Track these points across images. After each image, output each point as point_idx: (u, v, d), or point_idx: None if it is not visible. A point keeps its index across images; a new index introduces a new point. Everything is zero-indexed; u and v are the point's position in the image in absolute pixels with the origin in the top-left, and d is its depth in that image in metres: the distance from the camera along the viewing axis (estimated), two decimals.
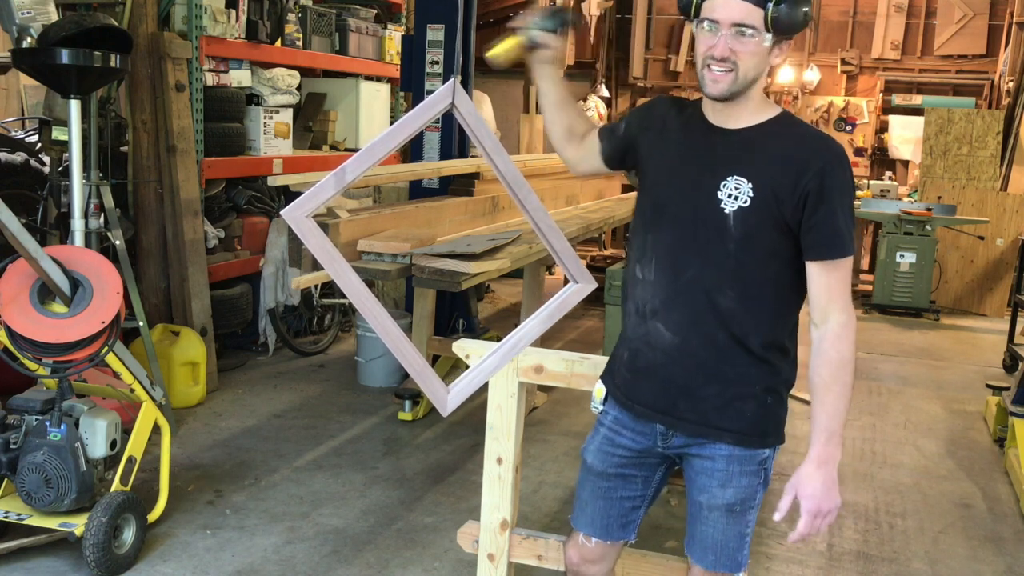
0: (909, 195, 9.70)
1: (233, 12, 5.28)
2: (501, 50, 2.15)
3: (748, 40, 1.81)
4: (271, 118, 5.70)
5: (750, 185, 1.85)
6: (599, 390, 2.13)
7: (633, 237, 2.05)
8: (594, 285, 1.94)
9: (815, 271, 1.86)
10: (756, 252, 1.87)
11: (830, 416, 1.87)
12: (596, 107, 10.79)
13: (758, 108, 1.91)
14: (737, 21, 1.80)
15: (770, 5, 1.79)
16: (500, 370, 2.25)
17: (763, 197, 1.84)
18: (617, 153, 2.14)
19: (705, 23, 1.84)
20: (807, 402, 1.93)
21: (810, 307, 1.90)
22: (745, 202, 1.85)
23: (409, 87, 5.62)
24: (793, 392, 2.03)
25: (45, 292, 3.03)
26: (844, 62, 11.38)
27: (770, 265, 1.88)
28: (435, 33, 5.32)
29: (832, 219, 1.83)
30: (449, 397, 1.81)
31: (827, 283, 1.86)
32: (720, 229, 1.87)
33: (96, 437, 3.13)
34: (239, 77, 5.51)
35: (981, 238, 8.44)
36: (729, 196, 1.86)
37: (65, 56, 3.63)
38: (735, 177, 1.86)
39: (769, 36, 1.82)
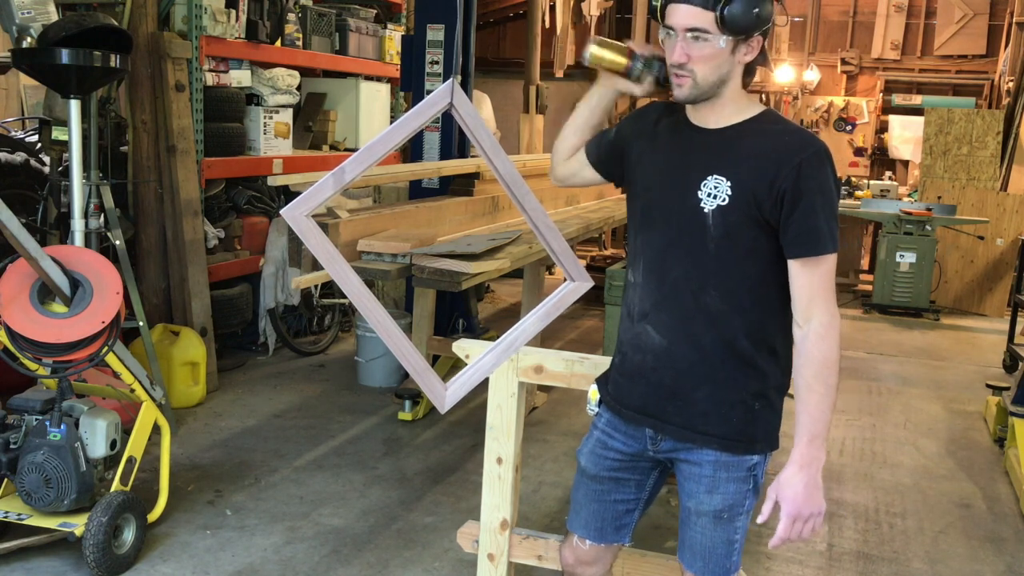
0: (909, 195, 9.71)
1: (233, 12, 5.28)
2: (607, 55, 2.04)
3: (702, 44, 1.81)
4: (271, 118, 5.70)
5: (728, 183, 1.85)
6: (594, 392, 2.14)
7: (628, 242, 2.07)
8: (591, 283, 1.94)
9: (796, 269, 1.85)
10: (736, 250, 1.86)
11: (813, 418, 1.84)
12: None
13: (740, 107, 1.91)
14: (689, 26, 1.81)
15: (719, 7, 1.79)
16: (497, 368, 2.25)
17: (741, 195, 1.84)
18: (606, 157, 2.13)
19: (666, 30, 1.86)
20: None
21: (792, 307, 1.87)
22: (724, 200, 1.84)
23: (409, 87, 5.62)
24: (790, 392, 2.02)
25: (45, 292, 3.03)
26: (844, 62, 11.39)
27: (751, 264, 1.87)
28: (435, 33, 5.31)
29: (810, 216, 1.81)
30: (447, 394, 1.82)
31: (808, 282, 1.84)
32: (701, 228, 1.87)
33: (96, 437, 3.13)
34: (239, 77, 5.51)
35: (981, 238, 8.43)
36: (708, 195, 1.86)
37: (65, 56, 3.63)
38: (714, 176, 1.86)
39: (724, 38, 1.81)
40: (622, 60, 2.04)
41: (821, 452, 1.86)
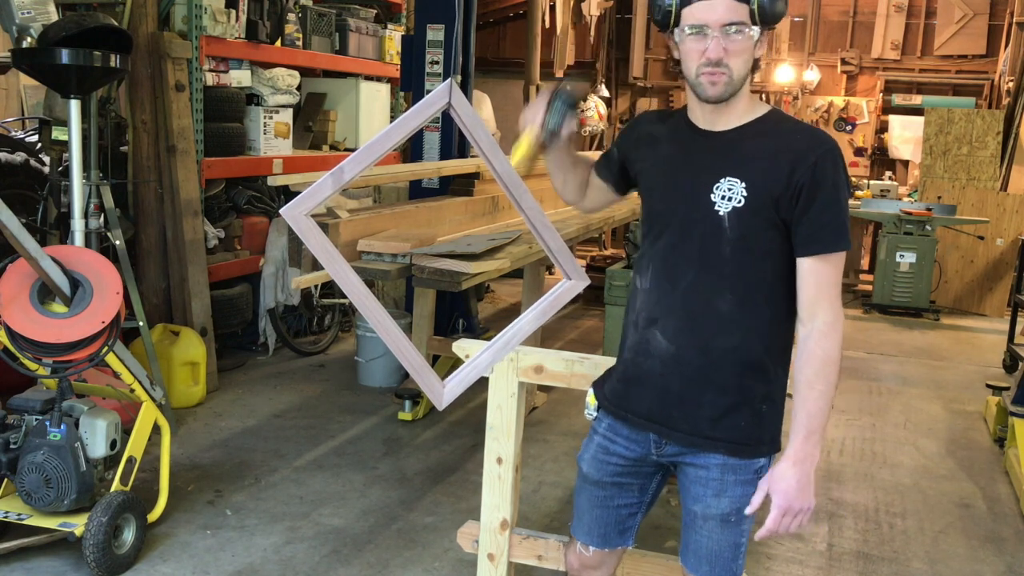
0: (909, 195, 9.71)
1: (233, 12, 5.28)
2: (523, 156, 1.99)
3: (739, 37, 1.80)
4: (271, 118, 5.70)
5: (743, 185, 1.83)
6: (592, 396, 2.12)
7: (639, 249, 2.07)
8: (587, 282, 1.94)
9: (806, 266, 1.84)
10: (753, 253, 1.85)
11: (810, 415, 1.84)
12: (596, 107, 10.78)
13: (747, 108, 1.90)
14: (727, 21, 1.79)
15: None
16: (494, 365, 2.25)
17: (757, 196, 1.83)
18: (618, 176, 2.14)
19: (688, 29, 1.82)
20: None
21: (798, 303, 1.87)
22: (739, 202, 1.83)
23: (409, 87, 5.62)
24: (789, 391, 2.02)
25: (45, 292, 3.03)
26: (844, 62, 11.39)
27: (767, 266, 1.87)
28: (435, 33, 5.32)
29: (825, 213, 1.81)
30: (445, 392, 1.82)
31: (817, 279, 1.83)
32: (715, 232, 1.85)
33: (96, 437, 3.13)
34: (239, 77, 5.51)
35: (981, 238, 8.43)
36: (723, 198, 1.84)
37: (65, 56, 3.63)
38: (728, 178, 1.85)
39: (756, 30, 1.82)
40: (533, 143, 1.98)
41: (816, 449, 1.86)
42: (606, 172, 2.16)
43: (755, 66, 1.89)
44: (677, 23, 1.84)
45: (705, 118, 1.92)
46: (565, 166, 2.15)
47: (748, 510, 1.89)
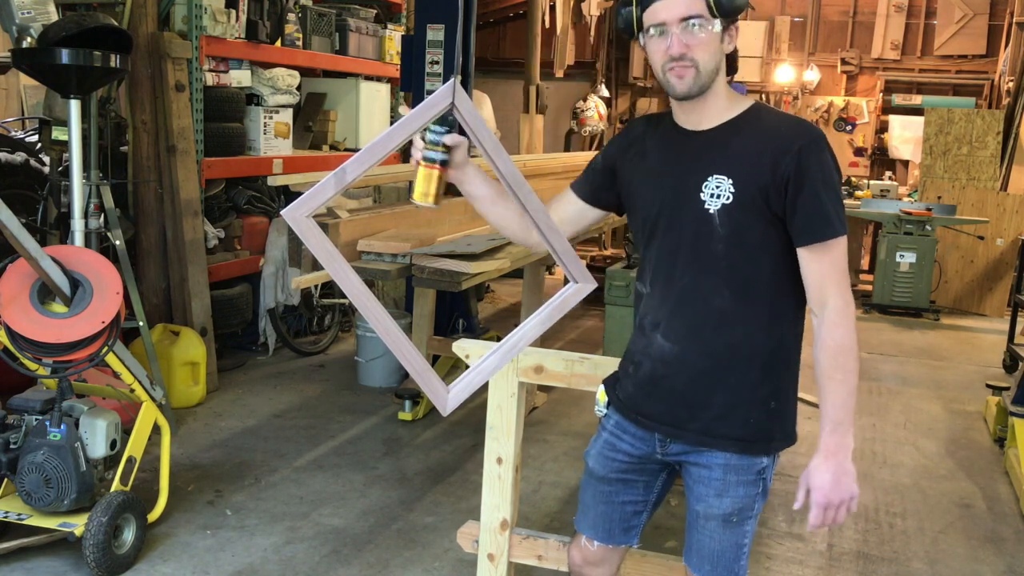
0: (909, 195, 9.71)
1: (233, 12, 5.28)
2: (423, 190, 1.78)
3: (699, 31, 1.81)
4: (271, 118, 5.70)
5: (731, 181, 1.83)
6: (602, 393, 2.12)
7: (639, 255, 2.06)
8: (594, 285, 1.93)
9: (806, 257, 1.84)
10: (746, 249, 1.85)
11: (834, 405, 1.84)
12: (596, 107, 10.78)
13: (728, 104, 1.90)
14: (684, 15, 1.80)
15: None
16: (500, 370, 2.24)
17: (746, 191, 1.82)
18: (600, 186, 2.07)
19: (651, 30, 1.83)
20: (809, 403, 1.91)
21: (807, 296, 1.87)
22: (728, 199, 1.83)
23: (409, 87, 5.63)
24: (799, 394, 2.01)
25: (45, 292, 3.03)
26: (844, 62, 11.40)
27: (762, 261, 1.86)
28: (435, 33, 5.32)
29: (815, 200, 1.80)
30: (449, 397, 1.81)
31: (819, 268, 1.83)
32: (707, 230, 1.85)
33: (96, 437, 3.13)
34: (239, 77, 5.51)
35: (981, 238, 8.44)
36: (712, 195, 1.84)
37: (65, 56, 3.63)
38: (715, 176, 1.85)
39: (717, 22, 1.82)
40: (426, 171, 1.78)
41: (847, 439, 1.85)
42: (584, 182, 2.09)
43: (731, 62, 1.89)
44: (641, 27, 1.86)
45: (687, 118, 1.92)
46: (488, 191, 1.99)
47: (796, 505, 1.90)
